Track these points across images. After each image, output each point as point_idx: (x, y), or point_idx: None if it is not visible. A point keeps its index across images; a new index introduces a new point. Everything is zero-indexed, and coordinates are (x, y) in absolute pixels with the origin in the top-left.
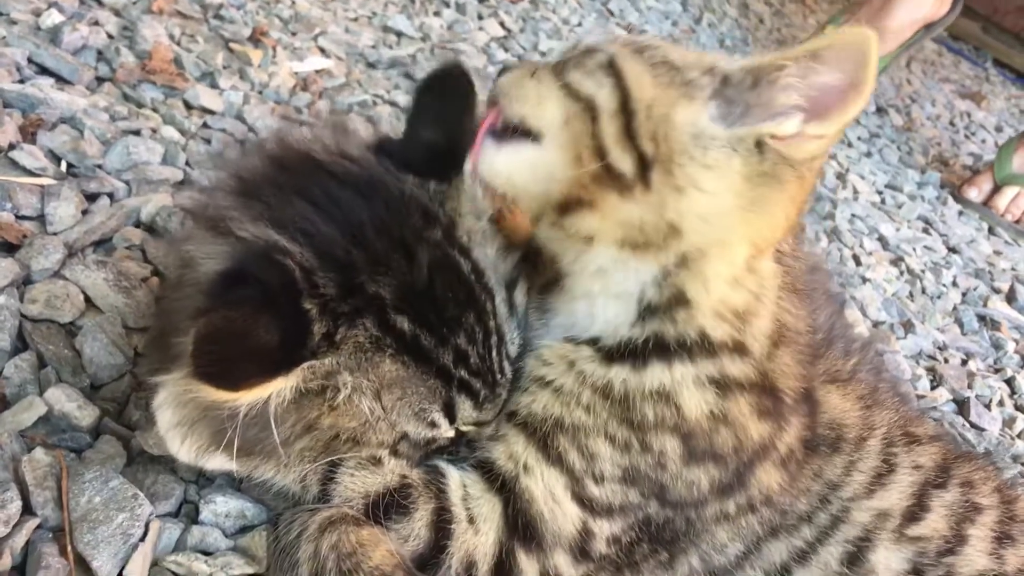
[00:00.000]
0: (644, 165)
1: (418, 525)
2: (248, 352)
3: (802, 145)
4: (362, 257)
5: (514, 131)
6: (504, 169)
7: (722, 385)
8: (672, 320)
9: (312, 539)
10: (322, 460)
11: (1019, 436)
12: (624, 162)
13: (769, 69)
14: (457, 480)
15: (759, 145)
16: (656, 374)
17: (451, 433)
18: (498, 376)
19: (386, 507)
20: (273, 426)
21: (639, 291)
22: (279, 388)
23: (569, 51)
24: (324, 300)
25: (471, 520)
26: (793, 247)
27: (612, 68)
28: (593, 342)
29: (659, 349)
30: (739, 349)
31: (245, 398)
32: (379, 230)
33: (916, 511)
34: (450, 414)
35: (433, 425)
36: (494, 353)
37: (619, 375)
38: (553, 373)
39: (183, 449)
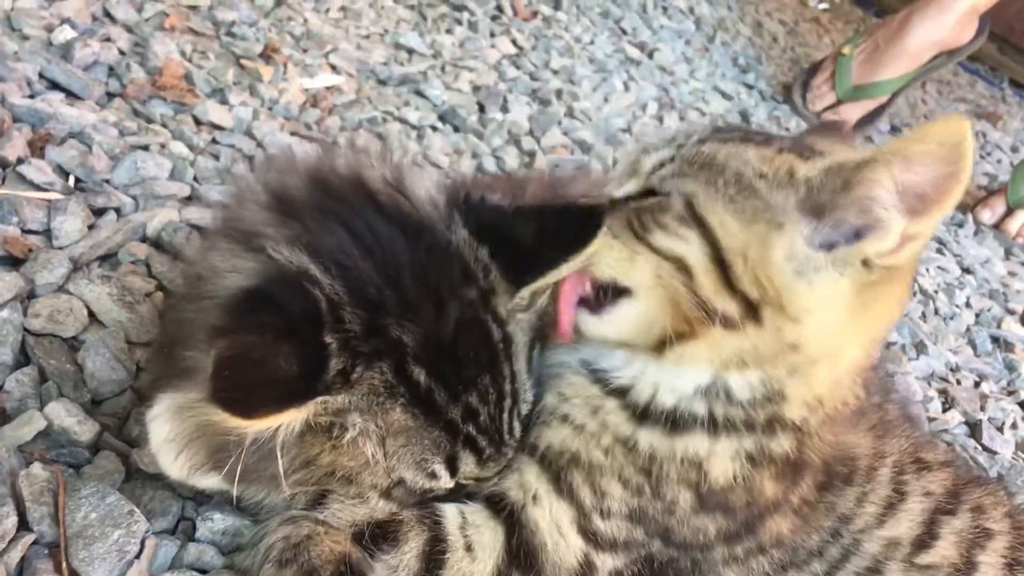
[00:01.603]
0: (751, 305)
1: (408, 556)
2: (266, 381)
3: (905, 249)
4: (393, 300)
5: (606, 291)
6: (610, 333)
7: (756, 460)
8: (757, 410)
9: (274, 532)
10: (313, 491)
11: None
12: (729, 307)
13: (857, 169)
14: (454, 511)
15: (865, 262)
16: (693, 443)
17: (450, 485)
18: (506, 436)
19: (374, 536)
20: (279, 456)
21: (713, 381)
22: (291, 420)
23: (629, 178)
24: (346, 336)
25: (468, 548)
26: None
27: (694, 218)
28: (621, 393)
29: (711, 424)
30: (798, 429)
31: (257, 427)
32: (416, 276)
33: (926, 539)
34: (452, 467)
35: (433, 476)
36: (505, 415)
37: (648, 438)
38: (575, 412)
39: (175, 465)
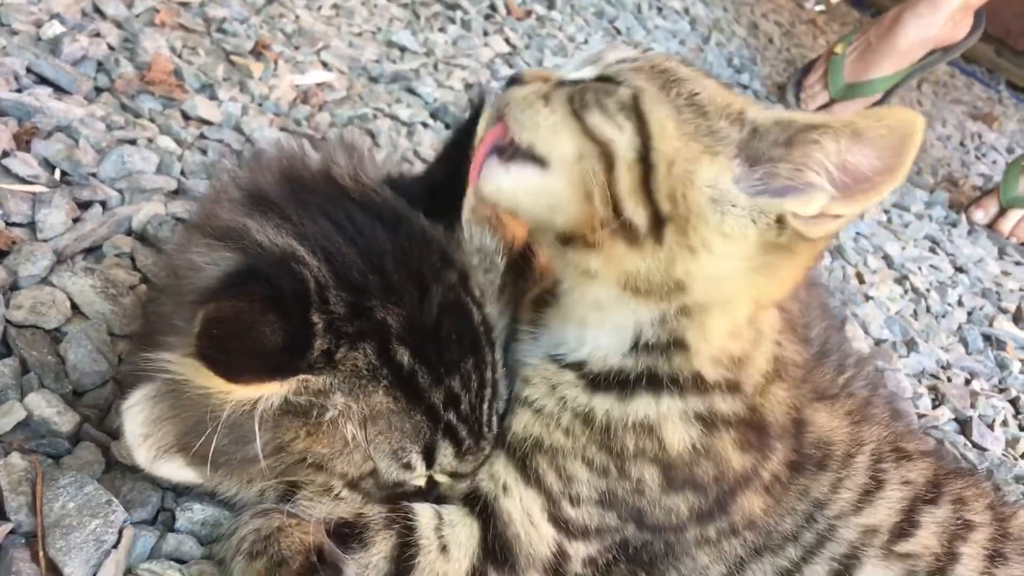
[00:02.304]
0: (658, 221)
1: (376, 558)
2: (252, 348)
3: (822, 224)
4: (377, 283)
5: (521, 151)
6: (509, 190)
7: (708, 421)
8: (668, 359)
9: (245, 524)
10: (282, 480)
11: (1022, 456)
12: (638, 215)
13: (804, 130)
14: (429, 511)
15: (779, 220)
16: (642, 406)
17: (422, 481)
18: (484, 429)
19: (343, 535)
20: (257, 434)
21: (634, 327)
22: (270, 394)
23: (588, 64)
24: (332, 317)
25: (443, 549)
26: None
27: (635, 110)
28: (578, 366)
29: (649, 382)
30: (731, 388)
31: (238, 394)
32: (398, 261)
33: (906, 527)
34: (429, 458)
35: (407, 467)
36: (485, 405)
37: (602, 404)
38: (535, 394)
39: (143, 448)
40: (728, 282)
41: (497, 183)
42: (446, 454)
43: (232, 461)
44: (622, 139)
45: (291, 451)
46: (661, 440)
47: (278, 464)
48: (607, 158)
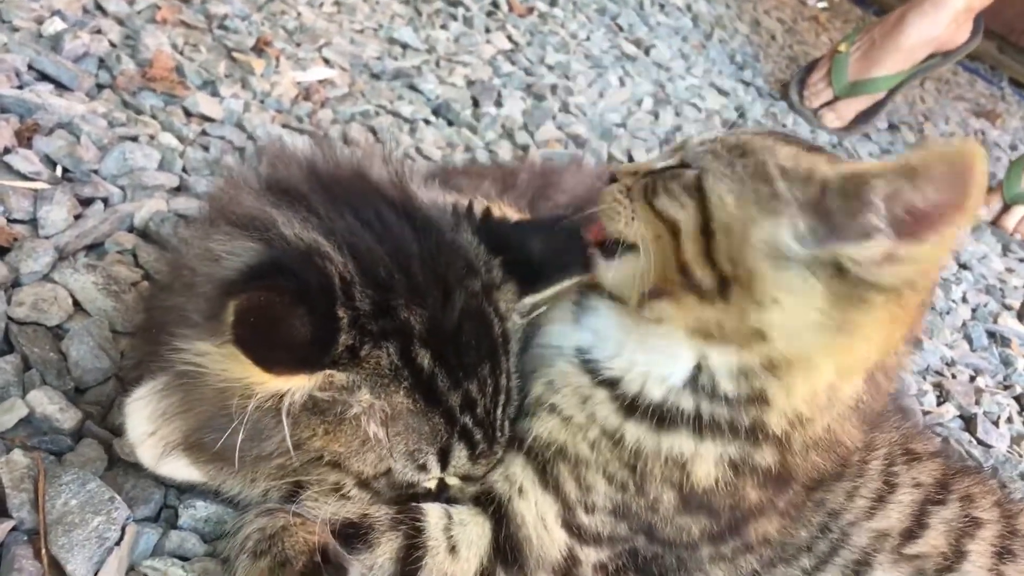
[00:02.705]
0: (724, 282)
1: (381, 559)
2: (283, 339)
3: (891, 269)
4: (402, 283)
5: (616, 245)
6: (613, 279)
7: (740, 468)
8: (738, 411)
9: (249, 523)
10: (289, 480)
11: None
12: (705, 278)
13: (861, 184)
14: (438, 511)
15: (839, 268)
16: (679, 442)
17: (433, 483)
18: (498, 434)
19: (348, 536)
20: (286, 426)
21: (694, 364)
22: (299, 387)
23: (676, 152)
24: (356, 314)
25: (452, 549)
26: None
27: (698, 188)
28: (612, 384)
29: (696, 423)
30: (780, 443)
31: (269, 385)
32: (424, 264)
33: (915, 529)
34: (444, 459)
35: (423, 468)
36: (499, 410)
37: (634, 432)
38: (563, 403)
39: (147, 445)
40: (807, 335)
41: (604, 276)
42: (460, 457)
43: (245, 458)
44: (685, 216)
45: (307, 449)
46: (689, 474)
47: (290, 462)
48: (674, 233)
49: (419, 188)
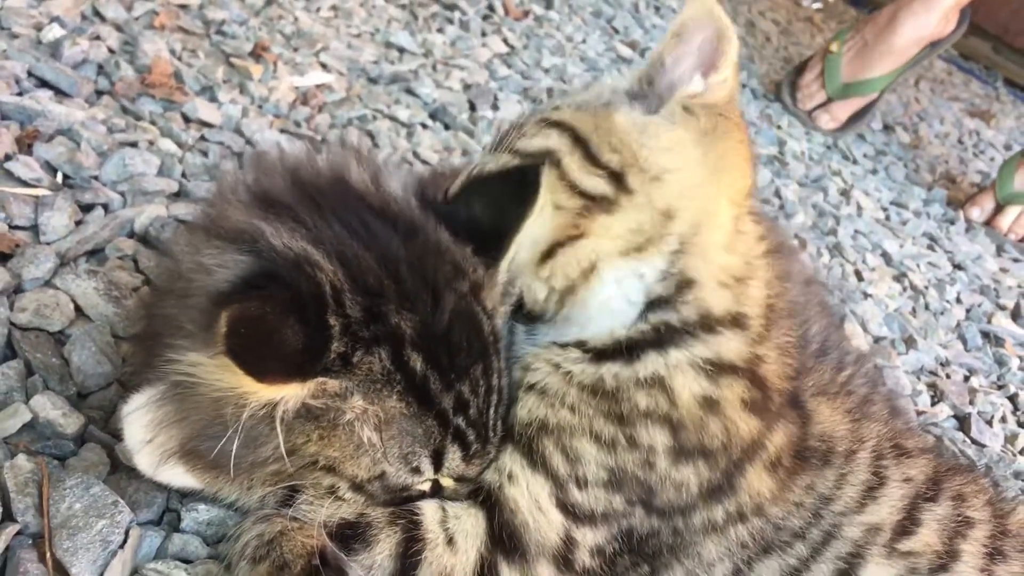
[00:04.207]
0: (617, 177)
1: (380, 556)
2: (276, 349)
3: (716, 92)
4: (392, 289)
5: None
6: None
7: (716, 366)
8: (679, 305)
9: (248, 530)
10: (284, 485)
11: (1021, 453)
12: (598, 183)
13: (656, 64)
14: (434, 505)
15: (687, 109)
16: (650, 363)
17: (427, 485)
18: (491, 434)
19: (345, 537)
20: (280, 435)
21: (645, 293)
22: (292, 395)
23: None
24: (348, 321)
25: (450, 541)
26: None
27: (548, 122)
28: (580, 344)
29: (656, 341)
30: (737, 320)
31: (262, 394)
32: (412, 268)
33: (907, 525)
34: (438, 461)
35: (416, 471)
36: (492, 410)
37: (610, 370)
38: (538, 376)
39: (144, 453)
40: (700, 188)
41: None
42: (454, 458)
43: (241, 465)
44: (553, 138)
45: (302, 455)
46: (671, 390)
47: (285, 468)
48: (552, 158)
49: (397, 188)
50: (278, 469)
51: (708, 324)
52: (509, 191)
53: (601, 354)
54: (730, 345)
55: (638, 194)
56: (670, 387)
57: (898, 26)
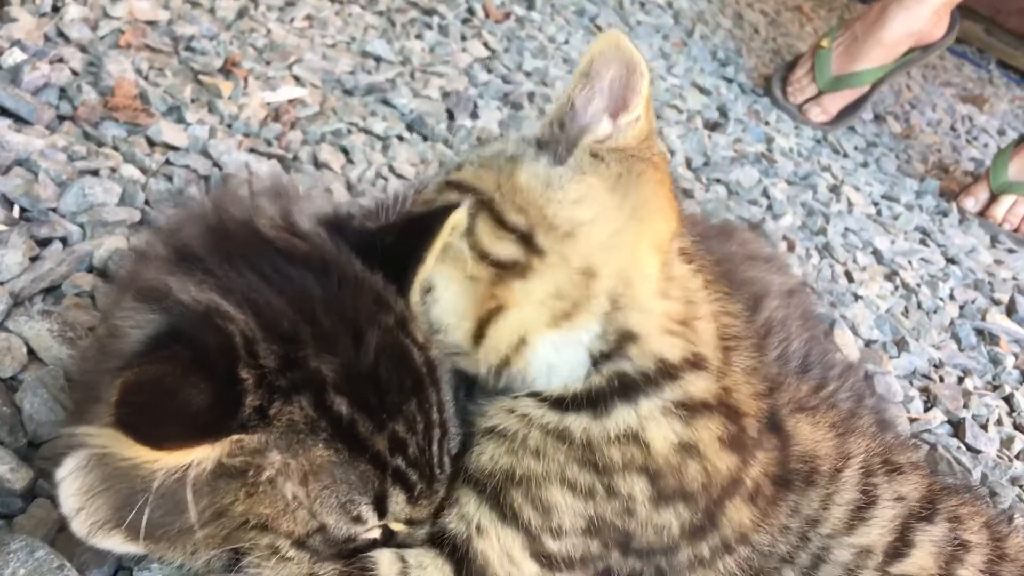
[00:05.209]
0: (526, 238)
1: None
2: (177, 411)
3: (626, 133)
4: (308, 332)
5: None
6: (437, 318)
7: (688, 408)
8: (628, 357)
9: None
10: (225, 547)
11: (1017, 457)
12: (507, 247)
13: (564, 107)
14: (390, 557)
15: (595, 156)
16: (621, 416)
17: (375, 533)
18: (436, 471)
19: None
20: (190, 501)
21: (587, 351)
22: (202, 458)
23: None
24: (262, 372)
25: None
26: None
27: (449, 183)
28: (534, 395)
29: (622, 391)
30: (696, 362)
31: (165, 461)
32: (329, 307)
33: (900, 547)
34: (380, 507)
35: (358, 520)
36: (435, 446)
37: (577, 423)
38: (495, 420)
39: (77, 521)
40: (619, 238)
41: (428, 316)
42: (398, 501)
43: (171, 532)
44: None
45: (232, 515)
46: (647, 444)
47: (219, 530)
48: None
49: (306, 223)
50: (212, 532)
51: (667, 371)
52: (420, 226)
53: (559, 402)
54: (697, 384)
55: (550, 254)
56: (645, 441)
57: (888, 20)
